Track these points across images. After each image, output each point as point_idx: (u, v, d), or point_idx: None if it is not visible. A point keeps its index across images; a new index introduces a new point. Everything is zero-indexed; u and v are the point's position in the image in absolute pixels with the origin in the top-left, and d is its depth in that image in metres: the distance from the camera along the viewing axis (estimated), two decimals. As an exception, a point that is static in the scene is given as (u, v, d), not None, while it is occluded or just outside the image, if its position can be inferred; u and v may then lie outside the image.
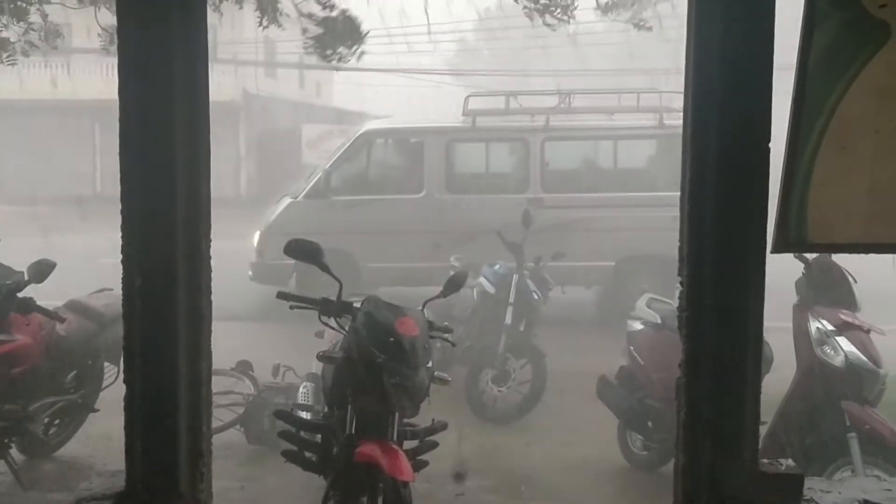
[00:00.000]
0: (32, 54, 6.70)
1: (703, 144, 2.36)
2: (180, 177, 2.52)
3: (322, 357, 4.05)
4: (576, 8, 6.18)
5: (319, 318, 3.93)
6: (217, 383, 5.80)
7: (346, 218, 9.61)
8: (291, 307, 3.96)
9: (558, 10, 6.19)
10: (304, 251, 3.89)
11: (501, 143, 10.09)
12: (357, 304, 3.85)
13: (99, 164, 22.62)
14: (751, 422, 2.50)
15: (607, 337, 6.56)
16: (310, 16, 6.28)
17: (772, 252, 2.27)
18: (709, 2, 2.31)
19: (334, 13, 6.18)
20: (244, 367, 6.23)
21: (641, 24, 6.31)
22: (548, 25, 6.26)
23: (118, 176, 2.48)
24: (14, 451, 4.78)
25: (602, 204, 9.36)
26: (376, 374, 3.48)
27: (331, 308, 3.87)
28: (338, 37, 6.17)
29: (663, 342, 4.95)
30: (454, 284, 4.27)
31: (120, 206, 2.48)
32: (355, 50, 6.26)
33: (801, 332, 4.42)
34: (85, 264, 8.46)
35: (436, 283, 4.31)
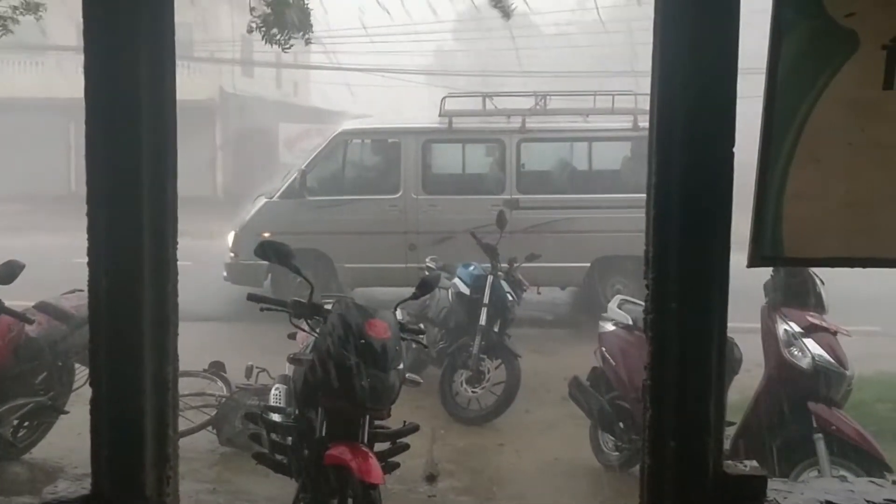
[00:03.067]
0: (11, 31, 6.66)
1: (668, 149, 2.38)
2: (146, 178, 2.50)
3: (292, 359, 4.05)
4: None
5: (291, 320, 3.93)
6: (189, 385, 5.84)
7: (322, 218, 9.60)
8: (262, 309, 3.97)
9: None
10: (274, 253, 3.90)
11: (478, 144, 10.13)
12: (328, 307, 3.85)
13: (73, 162, 22.38)
14: (716, 424, 2.51)
15: (581, 338, 6.62)
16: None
17: (747, 266, 2.27)
18: (673, 6, 2.33)
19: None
20: (216, 369, 6.20)
21: None
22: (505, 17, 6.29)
23: (90, 175, 2.46)
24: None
25: (577, 205, 9.41)
26: (347, 377, 3.49)
27: (302, 310, 3.87)
28: (286, 22, 6.17)
29: (634, 343, 4.98)
30: (426, 286, 4.28)
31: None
32: (301, 37, 6.28)
33: (769, 334, 4.47)
34: (57, 264, 8.39)
35: (411, 284, 4.33)
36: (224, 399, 5.76)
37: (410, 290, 4.16)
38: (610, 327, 5.48)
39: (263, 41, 6.37)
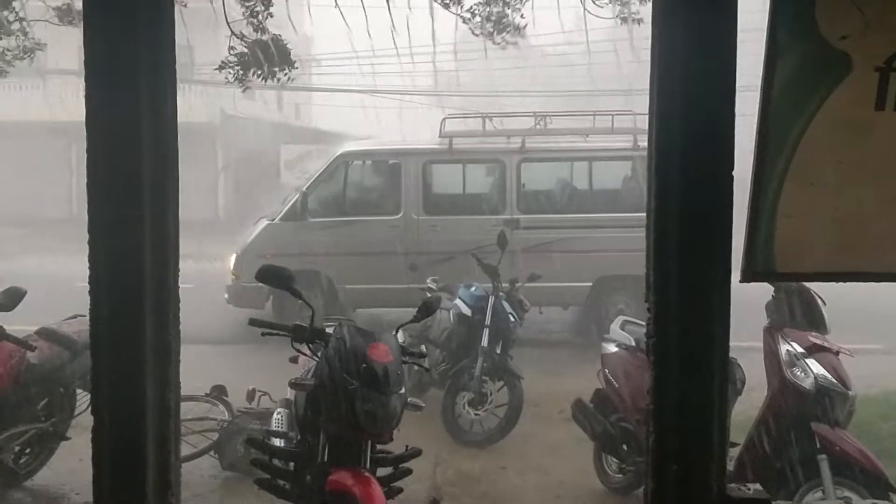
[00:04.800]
0: (7, 73, 6.71)
1: (666, 171, 2.38)
2: (147, 205, 2.51)
3: (294, 384, 4.04)
4: (525, 27, 6.25)
5: (292, 344, 3.93)
6: (191, 409, 5.81)
7: (323, 240, 9.57)
8: (263, 334, 3.96)
9: (509, 30, 6.27)
10: (275, 277, 3.90)
11: (478, 164, 10.12)
12: (330, 330, 3.85)
13: (75, 186, 22.41)
14: (718, 446, 2.51)
15: (584, 358, 6.58)
16: (241, 36, 6.28)
17: (740, 282, 2.30)
18: (670, 26, 2.34)
19: (265, 37, 6.21)
20: (218, 393, 6.18)
21: (632, 16, 6.34)
22: (499, 44, 6.34)
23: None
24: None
25: (578, 225, 9.41)
26: (348, 401, 3.48)
27: (303, 335, 3.87)
28: (267, 59, 6.18)
29: (637, 365, 4.97)
30: (427, 309, 4.27)
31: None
32: (284, 75, 6.29)
33: (771, 355, 4.46)
34: (59, 288, 8.40)
35: (413, 305, 4.32)
36: (226, 423, 5.74)
37: (412, 311, 4.16)
38: (613, 349, 5.46)
39: (232, 80, 6.37)
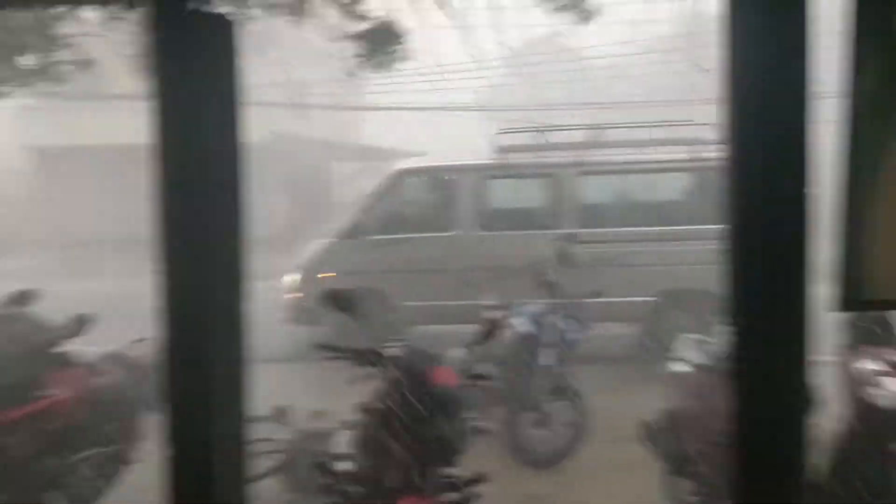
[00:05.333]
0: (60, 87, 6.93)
1: (745, 183, 2.30)
2: (216, 227, 2.51)
3: (361, 408, 4.02)
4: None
5: (355, 367, 3.91)
6: (253, 430, 5.78)
7: (380, 257, 9.62)
8: (328, 358, 3.95)
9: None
10: (339, 302, 3.90)
11: (534, 178, 10.01)
12: (393, 352, 3.82)
13: (131, 206, 22.75)
14: (798, 469, 2.42)
15: (647, 376, 6.41)
16: (347, 34, 6.50)
17: (837, 311, 2.18)
18: (742, 33, 2.26)
19: (371, 24, 6.32)
20: (281, 413, 6.16)
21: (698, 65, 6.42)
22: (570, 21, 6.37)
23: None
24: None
25: (638, 238, 9.27)
26: (414, 427, 3.45)
27: (366, 358, 3.85)
28: (377, 44, 6.37)
29: (707, 385, 4.84)
30: (491, 329, 4.23)
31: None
32: (394, 52, 6.46)
33: (847, 374, 4.31)
34: (120, 309, 8.53)
35: (471, 322, 4.27)
36: (288, 445, 5.69)
37: (469, 329, 4.12)
38: (681, 367, 5.33)
39: (368, 71, 6.57)
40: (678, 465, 5.16)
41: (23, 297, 5.11)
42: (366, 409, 3.93)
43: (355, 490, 3.91)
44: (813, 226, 2.24)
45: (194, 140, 2.46)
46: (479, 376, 4.11)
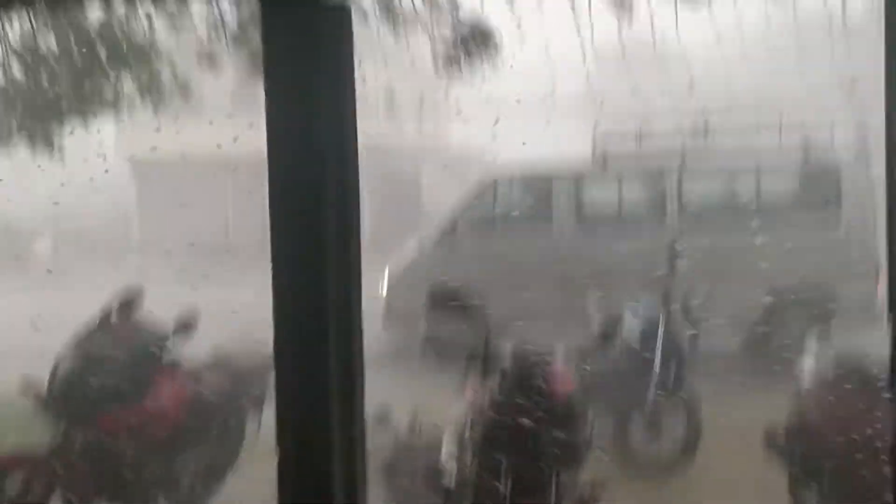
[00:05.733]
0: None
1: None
2: (330, 231, 2.43)
3: (472, 417, 3.88)
4: None
5: (464, 372, 3.80)
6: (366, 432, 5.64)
7: (474, 263, 9.41)
8: (434, 359, 3.86)
9: None
10: (446, 302, 3.81)
11: (635, 178, 9.77)
12: (504, 354, 3.70)
13: (231, 214, 23.34)
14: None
15: (764, 381, 6.13)
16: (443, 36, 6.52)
17: None
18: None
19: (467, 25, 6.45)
20: (382, 417, 6.06)
21: None
22: None
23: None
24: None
25: (747, 238, 8.91)
26: (530, 437, 3.31)
27: (477, 362, 3.73)
28: (474, 45, 6.39)
29: (843, 395, 4.57)
30: (607, 334, 4.07)
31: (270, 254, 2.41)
32: (490, 53, 6.46)
33: None
34: (234, 315, 8.63)
35: (571, 327, 4.09)
36: (390, 453, 5.58)
37: (571, 333, 3.96)
38: (811, 374, 5.06)
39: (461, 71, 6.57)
40: (806, 478, 4.88)
41: (128, 303, 5.17)
42: (474, 414, 3.80)
43: (461, 499, 3.80)
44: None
45: (308, 139, 2.39)
46: (593, 381, 3.95)
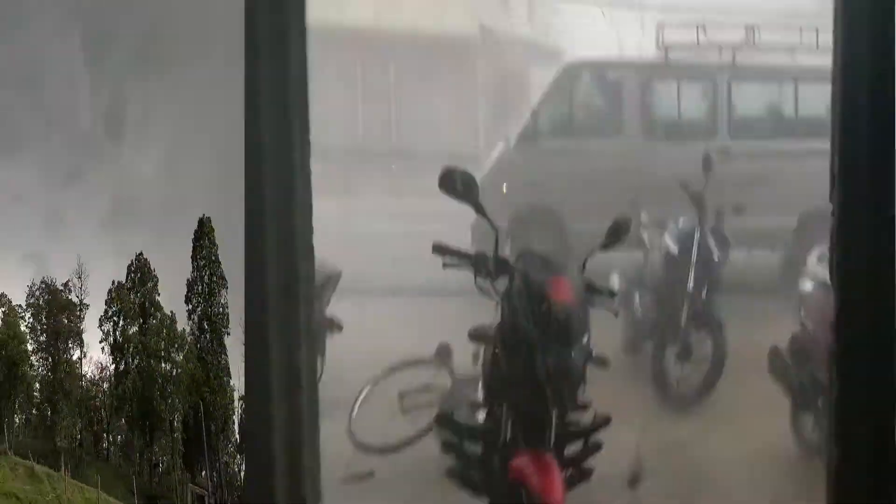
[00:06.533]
0: None
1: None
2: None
3: (473, 334, 3.76)
4: None
5: (475, 282, 3.53)
6: (416, 376, 5.12)
7: (550, 168, 9.11)
8: (445, 265, 3.61)
9: None
10: (457, 185, 3.55)
11: (691, 82, 9.44)
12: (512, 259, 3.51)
13: (361, 109, 19.15)
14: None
15: (788, 303, 5.89)
16: None
17: None
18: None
19: None
20: (444, 355, 5.32)
21: None
22: None
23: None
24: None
25: (786, 153, 8.60)
26: (528, 357, 3.18)
27: (485, 265, 3.49)
28: None
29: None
30: (616, 233, 3.91)
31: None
32: None
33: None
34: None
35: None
36: (445, 394, 5.04)
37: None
38: (810, 287, 4.98)
39: None
40: (801, 397, 4.87)
41: None
42: (477, 336, 3.71)
43: (476, 447, 3.65)
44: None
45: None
46: (603, 290, 3.75)
